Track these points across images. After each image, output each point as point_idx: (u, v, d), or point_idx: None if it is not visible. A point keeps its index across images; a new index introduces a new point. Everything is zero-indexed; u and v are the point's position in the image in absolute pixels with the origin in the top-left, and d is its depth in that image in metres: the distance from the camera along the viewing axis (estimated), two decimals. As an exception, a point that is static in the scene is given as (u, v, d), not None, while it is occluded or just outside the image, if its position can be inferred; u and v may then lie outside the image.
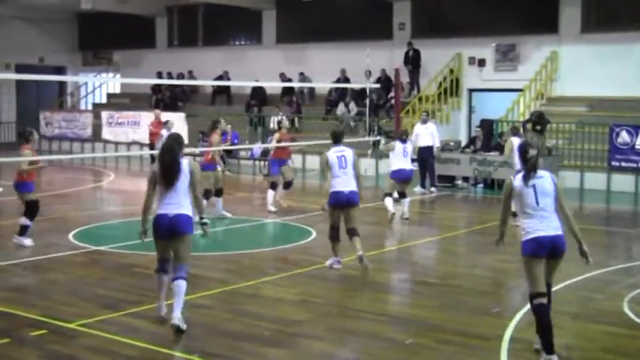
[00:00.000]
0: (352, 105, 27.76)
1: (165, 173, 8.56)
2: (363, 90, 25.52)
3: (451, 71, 27.06)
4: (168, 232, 8.53)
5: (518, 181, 7.83)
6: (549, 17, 25.74)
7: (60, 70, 38.37)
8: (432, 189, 20.77)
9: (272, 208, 17.10)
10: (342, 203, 11.38)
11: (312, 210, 16.94)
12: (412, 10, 28.67)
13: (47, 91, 38.43)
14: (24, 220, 13.12)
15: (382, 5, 28.67)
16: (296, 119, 28.33)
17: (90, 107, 37.77)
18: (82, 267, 11.76)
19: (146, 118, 28.35)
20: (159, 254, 8.84)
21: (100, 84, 38.86)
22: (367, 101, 22.78)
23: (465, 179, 22.21)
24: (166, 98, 32.53)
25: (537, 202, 7.73)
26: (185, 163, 8.65)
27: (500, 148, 22.20)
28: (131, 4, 33.22)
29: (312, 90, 30.56)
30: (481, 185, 21.97)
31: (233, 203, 18.93)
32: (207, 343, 8.19)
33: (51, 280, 10.98)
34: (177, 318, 8.34)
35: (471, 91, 27.43)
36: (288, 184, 17.67)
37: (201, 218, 9.00)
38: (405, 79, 27.25)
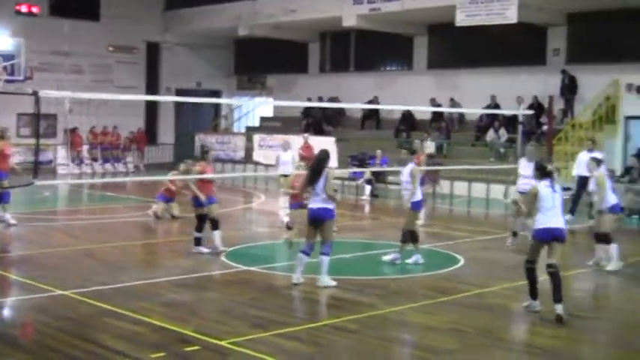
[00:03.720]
0: (502, 131, 27.35)
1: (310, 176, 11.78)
2: (514, 116, 25.13)
3: (607, 98, 26.29)
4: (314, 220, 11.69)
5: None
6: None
7: (215, 94, 39.53)
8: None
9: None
10: (548, 239, 10.52)
11: (460, 237, 16.75)
12: (567, 35, 28.07)
13: (203, 114, 39.63)
14: (195, 234, 14.37)
15: (536, 31, 28.17)
16: (444, 145, 28.21)
17: (243, 130, 38.65)
18: (233, 286, 11.98)
19: (296, 141, 28.69)
20: (307, 238, 11.86)
21: (253, 107, 39.71)
22: (519, 128, 22.41)
23: (620, 209, 21.46)
24: (315, 122, 32.97)
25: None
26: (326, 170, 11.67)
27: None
28: (286, 30, 33.89)
29: (461, 116, 30.32)
30: (637, 216, 21.23)
31: (380, 228, 18.99)
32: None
33: (203, 298, 11.26)
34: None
35: (627, 118, 26.52)
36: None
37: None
38: (558, 105, 26.70)
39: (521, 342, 9.48)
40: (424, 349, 8.89)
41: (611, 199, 13.98)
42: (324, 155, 12.23)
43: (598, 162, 14.45)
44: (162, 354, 8.45)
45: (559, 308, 10.00)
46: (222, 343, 8.84)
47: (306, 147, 24.48)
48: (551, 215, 10.46)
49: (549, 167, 11.10)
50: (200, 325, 9.54)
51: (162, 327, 9.49)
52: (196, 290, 11.76)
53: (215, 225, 14.29)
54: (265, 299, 11.00)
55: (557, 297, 10.08)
